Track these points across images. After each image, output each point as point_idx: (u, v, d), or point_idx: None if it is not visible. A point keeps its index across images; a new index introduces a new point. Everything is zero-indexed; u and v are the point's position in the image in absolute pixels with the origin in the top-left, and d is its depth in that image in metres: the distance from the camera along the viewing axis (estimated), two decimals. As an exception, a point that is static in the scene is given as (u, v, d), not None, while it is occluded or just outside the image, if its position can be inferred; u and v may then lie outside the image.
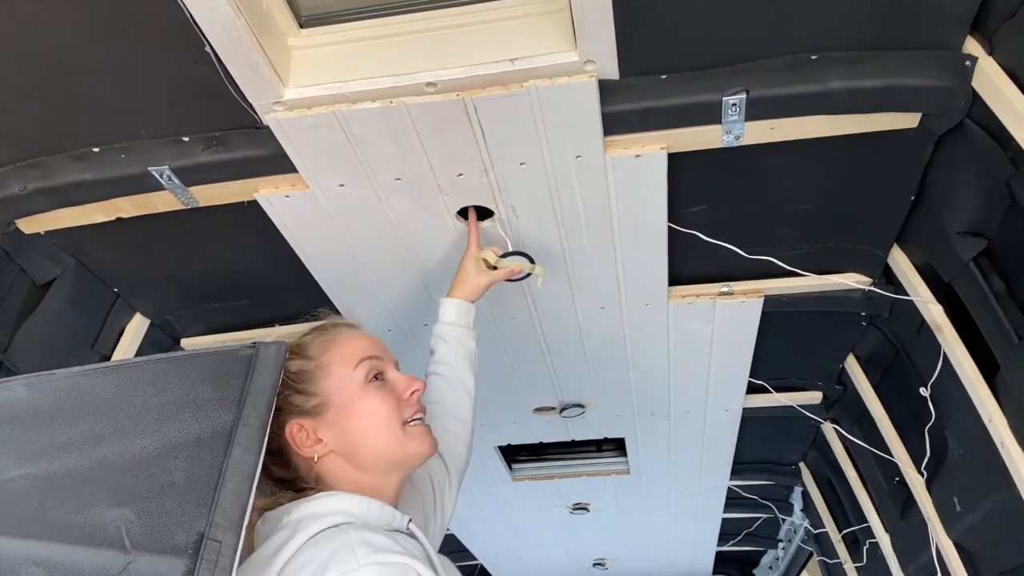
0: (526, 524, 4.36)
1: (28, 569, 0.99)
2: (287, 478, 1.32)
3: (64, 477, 1.06)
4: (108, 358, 2.20)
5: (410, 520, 1.29)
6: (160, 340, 2.38)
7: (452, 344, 1.76)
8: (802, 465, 3.65)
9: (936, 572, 2.41)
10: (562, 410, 2.90)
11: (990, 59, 1.47)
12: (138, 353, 2.27)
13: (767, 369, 2.75)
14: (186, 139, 1.70)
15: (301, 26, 1.62)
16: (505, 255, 1.91)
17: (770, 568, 5.27)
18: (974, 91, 1.51)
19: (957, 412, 2.06)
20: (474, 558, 4.95)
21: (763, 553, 5.30)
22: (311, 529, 1.15)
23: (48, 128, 1.68)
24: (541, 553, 4.96)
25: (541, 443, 3.33)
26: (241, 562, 1.06)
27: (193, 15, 1.39)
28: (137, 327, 2.28)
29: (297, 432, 1.30)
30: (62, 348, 2.07)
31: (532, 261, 1.93)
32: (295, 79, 1.59)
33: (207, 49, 1.46)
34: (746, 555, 5.42)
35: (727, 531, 4.65)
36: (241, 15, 1.41)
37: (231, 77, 1.52)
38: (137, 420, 1.11)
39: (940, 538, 2.36)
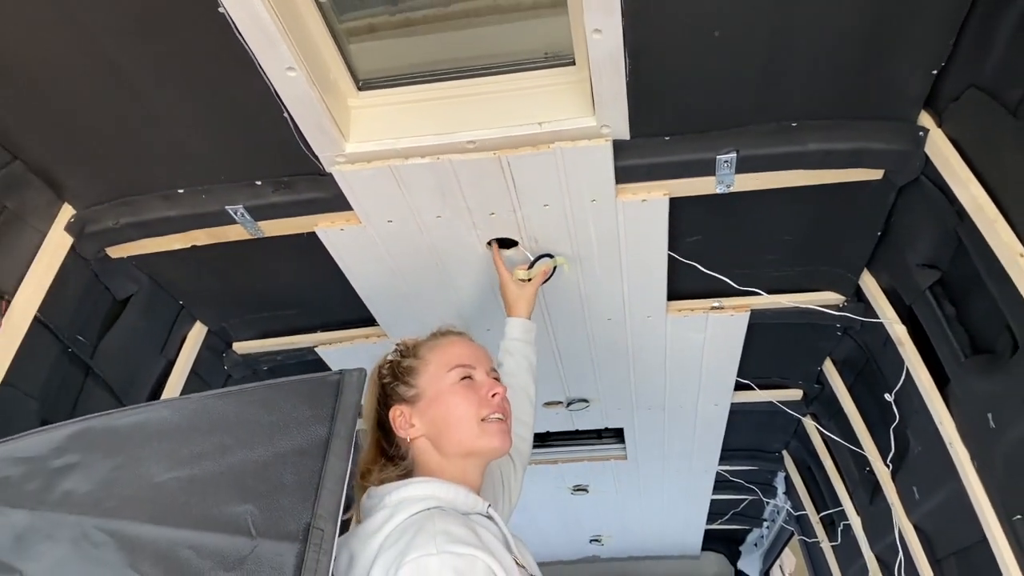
0: (529, 503, 4.68)
1: (183, 552, 1.29)
2: (393, 454, 1.61)
3: (202, 480, 1.36)
4: (173, 363, 2.49)
5: (489, 505, 1.55)
6: (215, 345, 2.68)
7: (517, 357, 2.06)
8: (785, 453, 3.98)
9: (899, 551, 2.74)
10: (569, 404, 3.21)
11: (939, 131, 1.77)
12: (197, 357, 2.57)
13: (754, 369, 3.06)
14: (259, 183, 1.99)
15: (359, 88, 1.89)
16: (531, 265, 2.20)
17: (755, 545, 5.62)
18: (927, 155, 1.81)
19: (916, 415, 2.38)
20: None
21: (749, 531, 5.65)
22: (406, 512, 1.44)
23: (140, 173, 1.97)
24: (542, 529, 5.27)
25: (548, 432, 3.66)
26: (349, 532, 1.36)
27: (276, 89, 1.67)
28: (197, 334, 2.58)
29: (397, 416, 1.60)
30: (136, 354, 2.36)
31: (552, 256, 2.21)
32: (355, 135, 1.87)
33: (285, 115, 1.74)
34: (733, 533, 5.75)
35: (715, 511, 4.97)
36: (315, 87, 1.70)
37: (302, 134, 1.81)
38: (254, 434, 1.40)
39: (902, 521, 2.69)
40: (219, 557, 1.31)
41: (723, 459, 3.98)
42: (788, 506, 4.29)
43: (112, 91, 1.71)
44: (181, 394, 2.53)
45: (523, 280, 2.14)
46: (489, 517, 1.54)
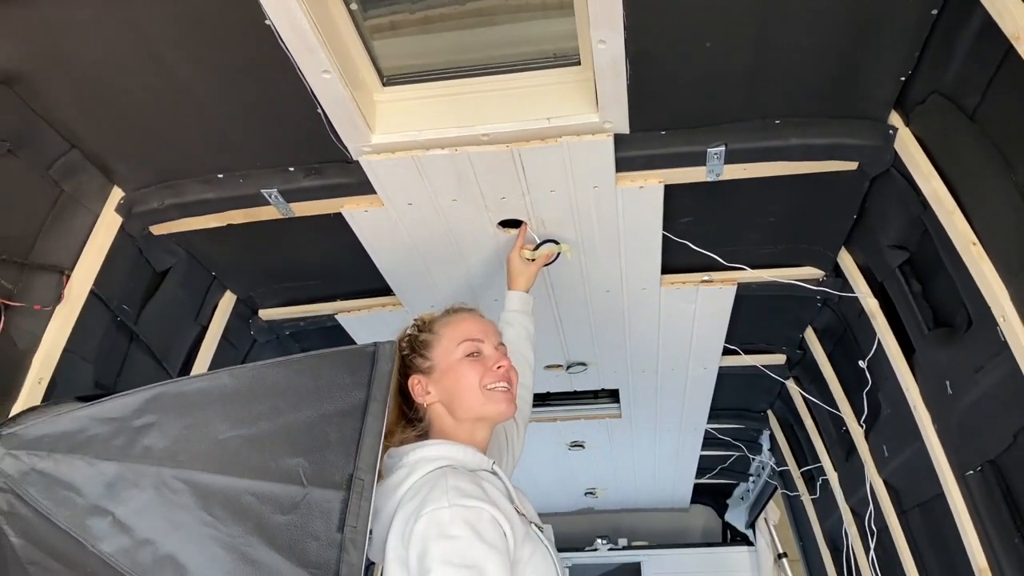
0: (528, 458, 4.92)
1: (246, 498, 1.52)
2: (412, 417, 1.84)
3: (259, 437, 1.58)
4: (206, 328, 2.71)
5: (493, 463, 1.79)
6: (243, 312, 2.90)
7: (516, 327, 2.28)
8: (769, 413, 4.23)
9: (870, 504, 3.00)
10: (568, 367, 3.44)
11: (907, 130, 1.97)
12: (227, 325, 2.79)
13: (740, 336, 3.29)
14: (291, 169, 2.19)
15: (384, 84, 2.08)
16: (536, 247, 2.41)
17: (741, 499, 5.92)
18: (896, 151, 2.01)
19: (886, 381, 2.61)
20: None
21: (736, 485, 5.94)
22: (422, 470, 1.67)
23: (183, 159, 2.16)
24: (540, 483, 5.55)
25: (548, 392, 3.90)
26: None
27: (312, 89, 1.86)
28: (227, 302, 2.79)
29: (415, 384, 1.83)
30: (173, 321, 2.57)
31: (557, 243, 2.43)
32: (380, 128, 2.06)
33: (319, 111, 1.93)
34: (721, 487, 6.05)
35: (704, 466, 5.25)
36: (347, 87, 1.88)
37: (333, 128, 2.00)
38: (302, 398, 1.62)
39: (873, 477, 2.94)
40: (276, 503, 1.54)
41: (711, 418, 4.23)
42: (772, 462, 4.56)
43: (162, 88, 1.89)
44: (213, 357, 2.76)
45: (528, 259, 2.35)
46: (494, 473, 1.77)
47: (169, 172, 2.20)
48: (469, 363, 1.85)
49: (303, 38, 1.71)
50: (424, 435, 1.84)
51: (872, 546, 3.08)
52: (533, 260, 2.37)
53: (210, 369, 2.70)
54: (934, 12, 1.67)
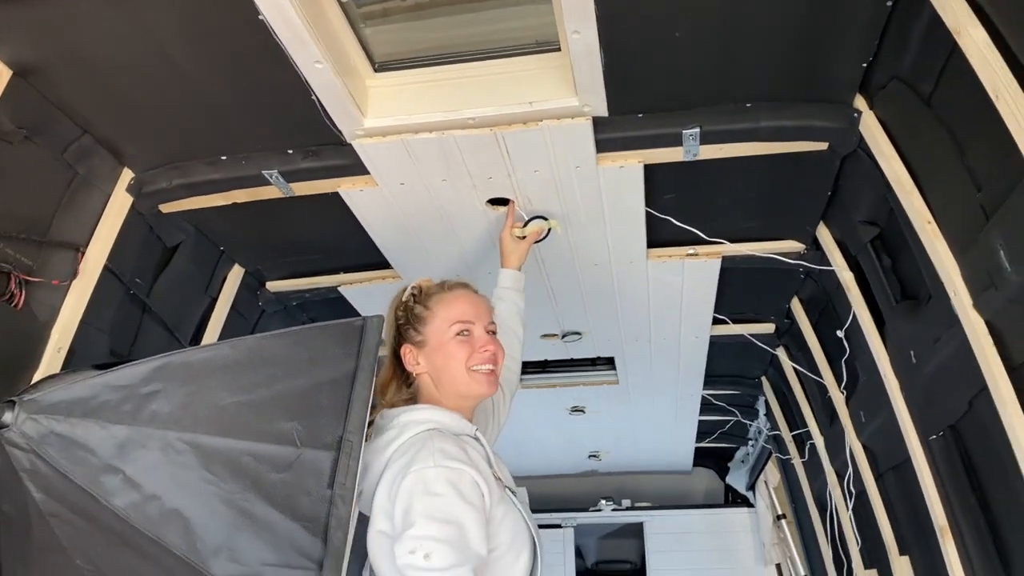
0: (532, 423, 5.11)
1: (244, 458, 1.67)
2: (403, 380, 1.98)
3: (257, 403, 1.72)
4: (216, 300, 2.87)
5: (476, 429, 1.92)
6: (251, 284, 3.05)
7: (507, 303, 2.41)
8: (763, 379, 4.36)
9: (849, 466, 3.13)
10: (563, 336, 3.58)
11: (871, 113, 2.07)
12: (236, 295, 2.94)
13: (730, 306, 3.41)
14: (290, 151, 2.32)
15: (376, 70, 2.19)
16: (525, 224, 2.53)
17: (742, 462, 6.06)
18: (861, 133, 2.11)
19: (862, 350, 2.73)
20: (486, 450, 5.75)
21: (736, 449, 6.09)
22: (411, 432, 1.81)
23: (189, 143, 2.30)
24: (545, 445, 5.73)
25: (546, 359, 4.04)
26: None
27: (306, 78, 1.98)
28: (236, 275, 2.94)
29: (407, 353, 1.97)
30: (184, 293, 2.73)
31: (546, 219, 2.54)
32: (372, 112, 2.18)
33: (313, 98, 2.06)
34: (722, 451, 6.21)
35: (704, 430, 5.40)
36: (339, 75, 2.00)
37: (327, 113, 2.12)
38: (297, 367, 1.77)
39: (852, 441, 3.07)
40: (272, 462, 1.69)
41: (708, 384, 4.37)
42: (767, 427, 4.69)
43: (165, 78, 2.02)
44: (222, 327, 2.92)
45: (519, 237, 2.47)
46: (476, 439, 1.91)
47: (176, 154, 2.33)
48: (458, 343, 1.97)
49: (295, 32, 1.82)
50: (413, 399, 1.98)
51: (851, 506, 3.22)
52: (523, 238, 2.49)
53: (220, 338, 2.86)
54: (888, 3, 1.76)
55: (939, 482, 2.32)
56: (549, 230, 2.55)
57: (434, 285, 2.07)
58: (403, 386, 2.01)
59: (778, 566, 5.79)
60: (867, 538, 3.24)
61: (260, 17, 1.78)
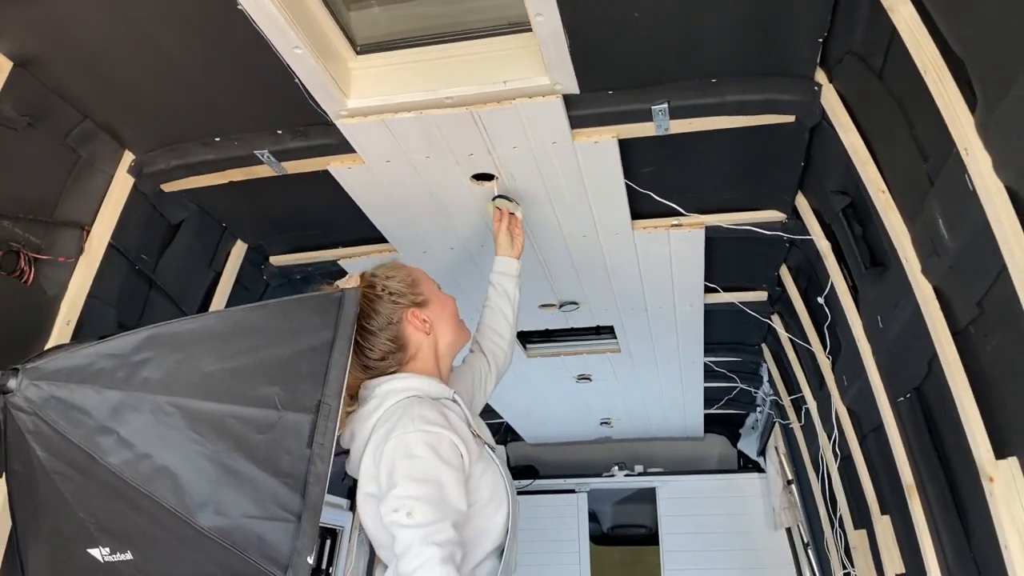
0: (541, 392, 5.24)
1: (228, 420, 1.81)
2: (388, 351, 2.05)
3: (241, 369, 1.86)
4: (220, 274, 3.01)
5: (455, 392, 2.05)
6: (255, 259, 3.19)
7: (497, 287, 2.54)
8: (764, 346, 4.43)
9: (834, 429, 3.22)
10: (561, 306, 3.69)
11: (830, 86, 2.14)
12: (240, 270, 3.09)
13: (723, 275, 3.49)
14: (279, 132, 2.44)
15: (358, 53, 2.30)
16: (494, 199, 2.64)
17: (752, 428, 6.15)
18: (823, 106, 2.18)
19: (841, 316, 2.80)
20: (500, 417, 5.91)
21: (746, 415, 6.18)
22: (392, 399, 1.94)
23: (184, 126, 2.43)
24: (556, 413, 5.87)
25: (548, 329, 4.16)
26: (351, 415, 1.89)
27: (288, 63, 2.09)
28: (239, 250, 3.09)
29: (413, 318, 2.07)
30: (189, 268, 2.87)
31: (510, 200, 2.64)
32: (354, 93, 2.28)
33: (296, 81, 2.17)
34: (732, 417, 6.30)
35: (712, 397, 5.49)
36: (319, 59, 2.11)
37: (311, 95, 2.23)
38: (279, 336, 1.90)
39: (838, 404, 3.15)
40: (254, 424, 1.83)
41: (710, 351, 4.46)
42: (770, 394, 4.77)
43: (155, 65, 2.14)
44: (228, 299, 3.06)
45: (497, 208, 2.61)
46: (455, 401, 2.03)
47: (172, 137, 2.47)
48: (445, 295, 2.20)
49: (272, 20, 1.92)
50: (397, 370, 2.09)
51: (837, 466, 3.31)
52: (500, 216, 2.62)
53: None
54: (836, -19, 1.83)
55: (906, 443, 2.40)
56: (512, 213, 2.65)
57: (381, 267, 2.18)
58: (382, 364, 2.09)
59: (788, 530, 5.89)
60: (856, 499, 3.33)
61: (239, 7, 1.89)
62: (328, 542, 4.81)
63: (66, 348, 1.93)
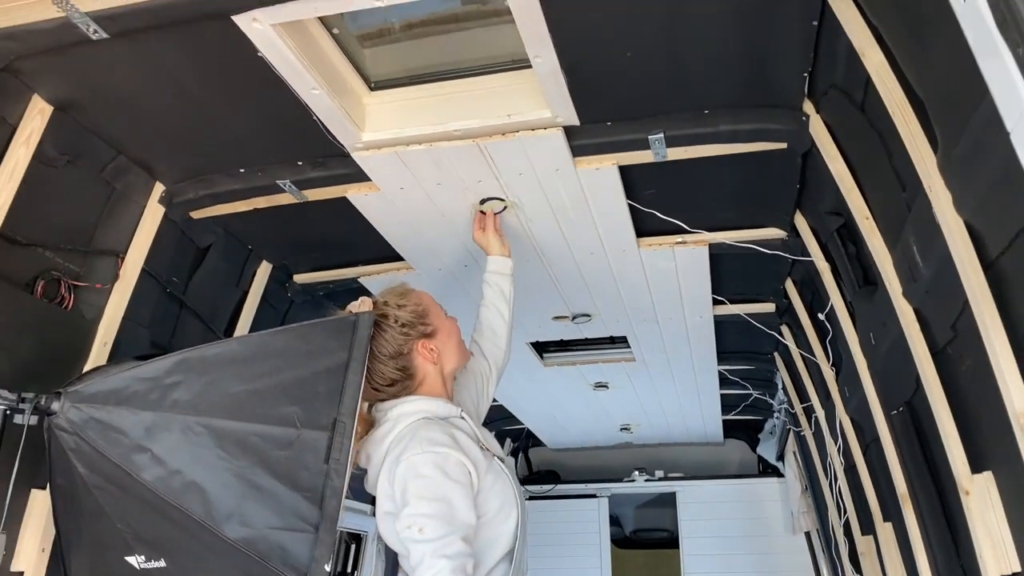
0: (561, 399, 5.37)
1: (251, 438, 1.96)
2: (396, 379, 2.16)
3: (263, 390, 2.01)
4: (247, 293, 3.18)
5: (462, 410, 2.18)
6: (279, 277, 3.35)
7: (492, 286, 2.66)
8: (776, 355, 4.52)
9: (839, 438, 3.31)
10: (574, 318, 3.81)
11: (818, 116, 2.25)
12: (266, 289, 3.25)
13: (731, 287, 3.60)
14: (300, 163, 2.59)
15: (371, 89, 2.44)
16: (483, 202, 2.74)
17: (771, 433, 6.22)
18: (812, 134, 2.29)
19: (841, 330, 2.90)
20: (521, 423, 6.05)
21: (764, 421, 6.26)
22: (404, 423, 2.08)
23: (211, 159, 2.59)
24: (576, 419, 6.00)
25: (563, 340, 4.28)
26: (365, 438, 2.03)
27: (306, 102, 2.24)
28: (264, 270, 3.25)
29: (423, 348, 2.19)
30: (217, 288, 3.04)
31: (502, 200, 2.73)
32: (369, 127, 2.43)
33: (314, 117, 2.32)
34: (751, 423, 6.38)
35: (729, 404, 5.58)
36: (335, 98, 2.26)
37: (328, 130, 2.38)
38: (297, 359, 2.05)
39: (841, 414, 3.24)
40: (276, 441, 1.98)
41: (724, 360, 4.56)
42: (784, 401, 4.85)
43: (184, 107, 2.31)
44: (254, 316, 3.23)
45: (481, 212, 2.74)
46: (462, 418, 2.17)
47: (200, 169, 2.63)
48: (451, 321, 2.32)
49: (291, 65, 2.08)
50: (407, 392, 2.21)
51: (840, 475, 3.40)
52: (483, 213, 2.74)
53: (251, 328, 3.18)
54: (815, 23, 1.93)
55: (900, 454, 2.50)
56: (504, 207, 2.76)
57: (391, 294, 2.29)
58: (394, 387, 2.21)
59: (807, 534, 5.95)
60: (862, 506, 3.42)
61: (259, 54, 2.04)
62: (353, 547, 4.97)
63: (102, 371, 2.10)
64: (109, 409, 1.93)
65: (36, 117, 2.17)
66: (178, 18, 1.88)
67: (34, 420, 1.95)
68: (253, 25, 1.91)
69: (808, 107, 2.26)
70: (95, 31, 1.90)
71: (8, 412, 1.92)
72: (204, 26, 1.94)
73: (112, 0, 1.83)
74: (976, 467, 1.87)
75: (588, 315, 3.78)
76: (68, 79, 2.16)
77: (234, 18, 1.89)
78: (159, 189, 2.67)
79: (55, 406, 1.91)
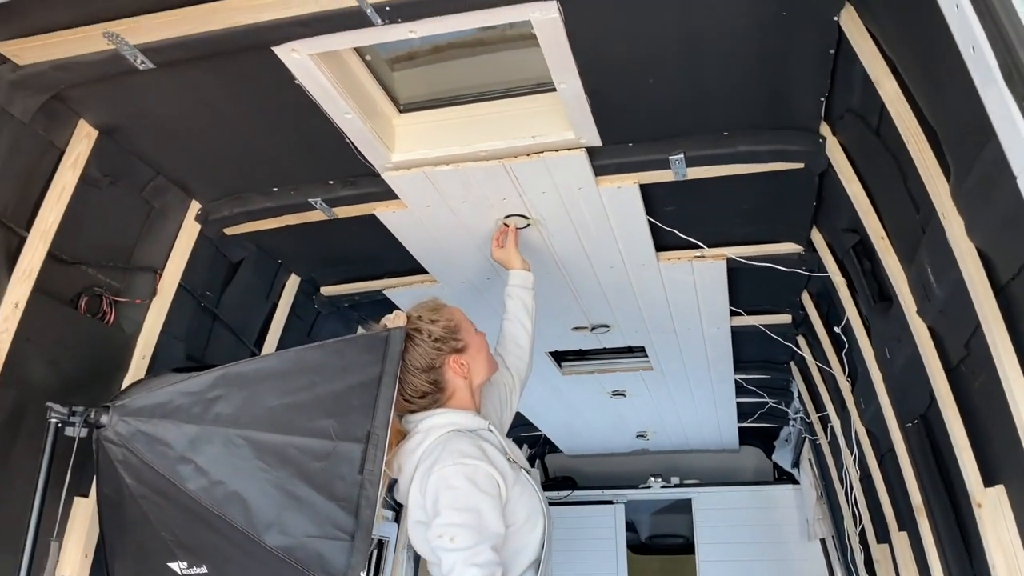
0: (578, 407, 5.44)
1: (289, 450, 2.05)
2: (428, 392, 2.24)
3: (299, 404, 2.10)
4: (276, 306, 3.27)
5: (490, 423, 2.26)
6: (307, 289, 3.45)
7: (515, 300, 2.74)
8: (792, 364, 4.58)
9: (854, 448, 3.37)
10: (592, 329, 3.89)
11: (834, 138, 2.32)
12: (294, 301, 3.34)
13: (748, 299, 3.67)
14: (331, 182, 2.68)
15: (401, 112, 2.53)
16: (507, 217, 2.82)
17: (786, 440, 6.27)
18: (828, 156, 2.36)
19: (857, 343, 2.96)
20: (539, 430, 6.13)
21: (780, 428, 6.30)
22: (434, 435, 2.16)
23: (245, 179, 2.68)
24: (593, 426, 6.07)
25: (581, 349, 4.36)
26: (396, 449, 2.11)
27: (339, 125, 2.33)
28: (293, 283, 3.35)
29: (454, 363, 2.26)
30: (248, 301, 3.14)
31: (525, 217, 2.81)
32: (398, 148, 2.51)
33: (346, 140, 2.40)
34: (766, 430, 6.43)
35: (745, 412, 5.63)
36: (367, 122, 2.34)
37: (359, 152, 2.46)
38: (332, 373, 2.13)
39: (857, 424, 3.30)
40: (313, 453, 2.07)
41: (740, 369, 4.62)
42: (800, 410, 4.90)
43: (222, 131, 2.40)
44: (283, 328, 3.32)
45: (506, 225, 2.81)
46: (490, 431, 2.25)
47: (235, 188, 2.73)
48: (481, 336, 2.39)
49: (326, 91, 2.16)
50: (437, 404, 2.29)
51: (856, 484, 3.45)
52: (507, 226, 2.82)
53: (280, 339, 3.27)
54: (831, 51, 2.00)
55: (915, 466, 2.56)
56: (527, 224, 2.84)
57: (424, 308, 2.36)
58: (424, 399, 2.28)
59: (823, 541, 5.99)
60: (877, 515, 3.48)
61: (296, 82, 2.13)
62: (375, 552, 5.06)
63: (145, 384, 2.20)
64: (155, 422, 2.02)
65: (83, 141, 2.27)
66: (222, 49, 1.97)
67: (83, 432, 2.04)
68: (292, 55, 2.00)
69: (825, 129, 2.33)
70: (142, 62, 2.00)
71: (60, 425, 2.01)
72: (245, 56, 2.03)
73: (160, 32, 1.92)
74: (988, 480, 1.94)
75: (607, 326, 3.86)
76: (113, 105, 2.26)
77: (274, 49, 1.98)
78: (195, 207, 2.76)
79: (104, 419, 2.01)
